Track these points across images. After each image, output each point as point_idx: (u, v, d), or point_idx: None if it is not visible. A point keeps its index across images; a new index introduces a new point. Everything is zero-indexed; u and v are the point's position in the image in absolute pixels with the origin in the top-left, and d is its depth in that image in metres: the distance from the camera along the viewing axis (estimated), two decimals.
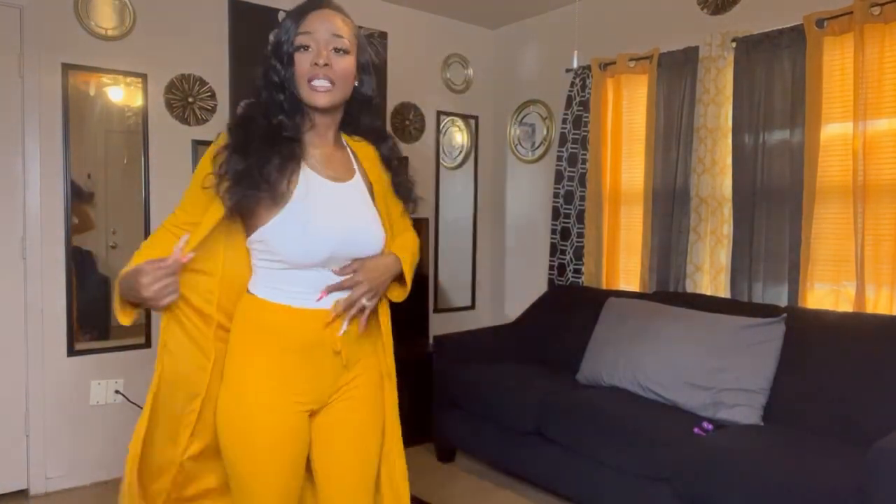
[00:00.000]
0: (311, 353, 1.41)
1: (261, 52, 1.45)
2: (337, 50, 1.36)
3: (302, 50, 1.35)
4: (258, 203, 1.34)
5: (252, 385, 1.38)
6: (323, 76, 1.35)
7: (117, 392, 3.16)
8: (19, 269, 2.92)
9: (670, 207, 3.34)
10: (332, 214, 1.38)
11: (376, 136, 1.55)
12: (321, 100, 1.37)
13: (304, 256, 1.35)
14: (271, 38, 1.39)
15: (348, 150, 1.52)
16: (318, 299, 1.40)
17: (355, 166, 1.50)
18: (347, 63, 1.38)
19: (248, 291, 1.43)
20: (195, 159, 3.32)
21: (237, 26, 3.41)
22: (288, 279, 1.38)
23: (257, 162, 1.31)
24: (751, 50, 3.00)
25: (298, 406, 1.41)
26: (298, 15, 1.37)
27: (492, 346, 3.51)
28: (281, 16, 3.52)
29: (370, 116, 1.54)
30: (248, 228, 1.40)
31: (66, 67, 2.97)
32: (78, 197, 3.03)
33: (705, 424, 2.48)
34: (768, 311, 2.77)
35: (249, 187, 1.31)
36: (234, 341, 1.42)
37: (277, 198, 1.33)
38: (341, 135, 1.51)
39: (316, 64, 1.34)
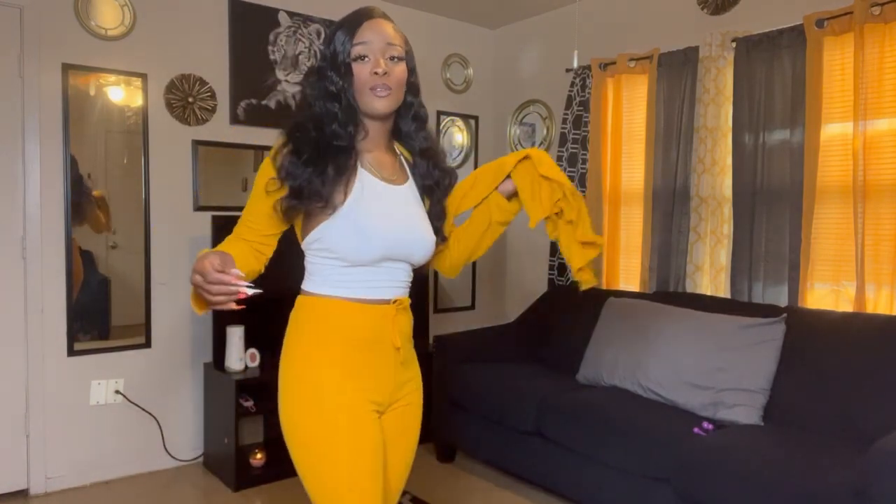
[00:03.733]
0: (373, 349, 1.44)
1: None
2: (392, 58, 1.41)
3: (359, 60, 1.39)
4: (314, 208, 1.39)
5: (329, 385, 1.38)
6: (382, 84, 1.40)
7: (117, 392, 3.16)
8: (19, 269, 2.93)
9: (670, 207, 3.34)
10: (384, 215, 1.42)
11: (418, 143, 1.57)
12: (381, 106, 1.42)
13: (357, 254, 1.39)
14: (324, 51, 1.44)
15: (401, 156, 1.56)
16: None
17: (408, 171, 1.55)
18: (402, 69, 1.44)
19: (302, 292, 1.47)
20: (195, 159, 3.32)
21: (237, 26, 3.41)
22: (347, 274, 1.42)
23: (313, 174, 1.36)
24: (751, 50, 3.00)
25: (371, 405, 1.43)
26: (352, 26, 1.40)
27: (492, 346, 3.51)
28: (282, 16, 3.53)
29: (411, 122, 1.54)
30: (304, 229, 1.43)
31: (66, 67, 2.97)
32: (83, 197, 3.04)
33: (705, 424, 2.48)
34: (768, 311, 2.77)
35: (307, 200, 1.36)
36: (295, 342, 1.43)
37: (333, 204, 1.38)
38: (393, 141, 1.56)
39: (375, 73, 1.39)
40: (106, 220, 3.11)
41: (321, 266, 1.43)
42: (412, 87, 1.50)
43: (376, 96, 1.40)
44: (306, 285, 1.46)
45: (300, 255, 1.49)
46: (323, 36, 3.61)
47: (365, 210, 1.39)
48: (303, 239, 1.44)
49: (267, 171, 1.40)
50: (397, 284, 1.46)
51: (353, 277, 1.41)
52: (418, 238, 1.47)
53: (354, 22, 1.41)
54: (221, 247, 1.37)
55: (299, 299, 1.47)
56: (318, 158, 1.37)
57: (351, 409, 1.38)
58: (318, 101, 1.42)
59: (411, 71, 1.49)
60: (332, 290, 1.41)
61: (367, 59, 1.39)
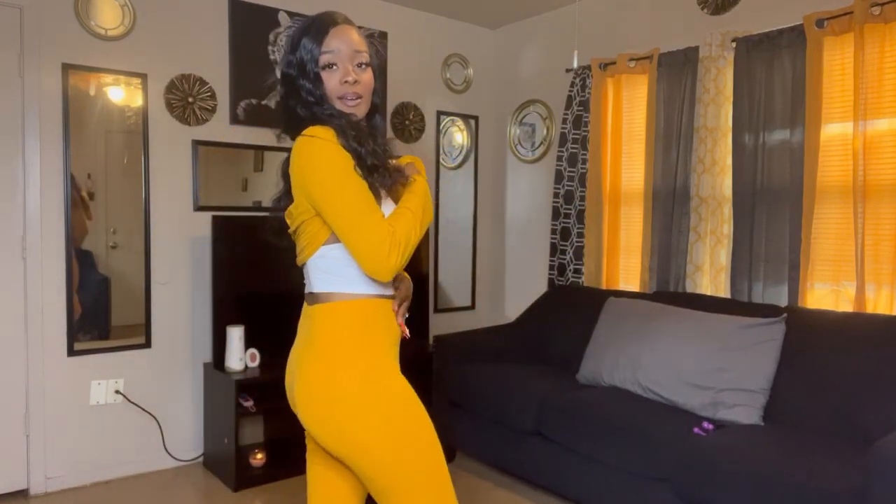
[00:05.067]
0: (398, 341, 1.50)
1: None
2: (360, 65, 1.42)
3: (328, 69, 1.40)
4: None
5: (402, 381, 1.42)
6: (353, 93, 1.41)
7: (117, 392, 3.16)
8: (19, 269, 2.93)
9: (670, 207, 3.34)
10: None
11: None
12: (354, 114, 1.43)
13: None
14: (290, 57, 1.41)
15: None
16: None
17: None
18: (370, 76, 1.45)
19: (333, 295, 1.40)
20: (195, 159, 3.32)
21: (237, 26, 3.41)
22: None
23: (376, 165, 1.38)
24: (751, 50, 3.00)
25: None
26: (317, 33, 1.39)
27: (492, 346, 3.51)
28: (282, 16, 3.53)
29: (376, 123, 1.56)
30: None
31: (66, 67, 2.97)
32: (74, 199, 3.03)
33: (705, 424, 2.48)
34: (768, 311, 2.78)
35: (383, 183, 1.39)
36: (352, 349, 1.37)
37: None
38: None
39: (346, 82, 1.39)
40: (87, 215, 3.07)
41: (347, 265, 1.38)
42: (374, 90, 1.50)
43: (347, 106, 1.41)
44: (336, 286, 1.39)
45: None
46: None
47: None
48: (334, 241, 1.38)
49: (344, 155, 1.33)
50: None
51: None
52: None
53: (320, 29, 1.39)
54: (409, 212, 1.38)
55: (333, 305, 1.39)
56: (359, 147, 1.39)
57: (417, 399, 1.42)
58: (302, 109, 1.41)
59: (376, 73, 1.48)
60: (371, 288, 1.41)
61: (335, 67, 1.39)
